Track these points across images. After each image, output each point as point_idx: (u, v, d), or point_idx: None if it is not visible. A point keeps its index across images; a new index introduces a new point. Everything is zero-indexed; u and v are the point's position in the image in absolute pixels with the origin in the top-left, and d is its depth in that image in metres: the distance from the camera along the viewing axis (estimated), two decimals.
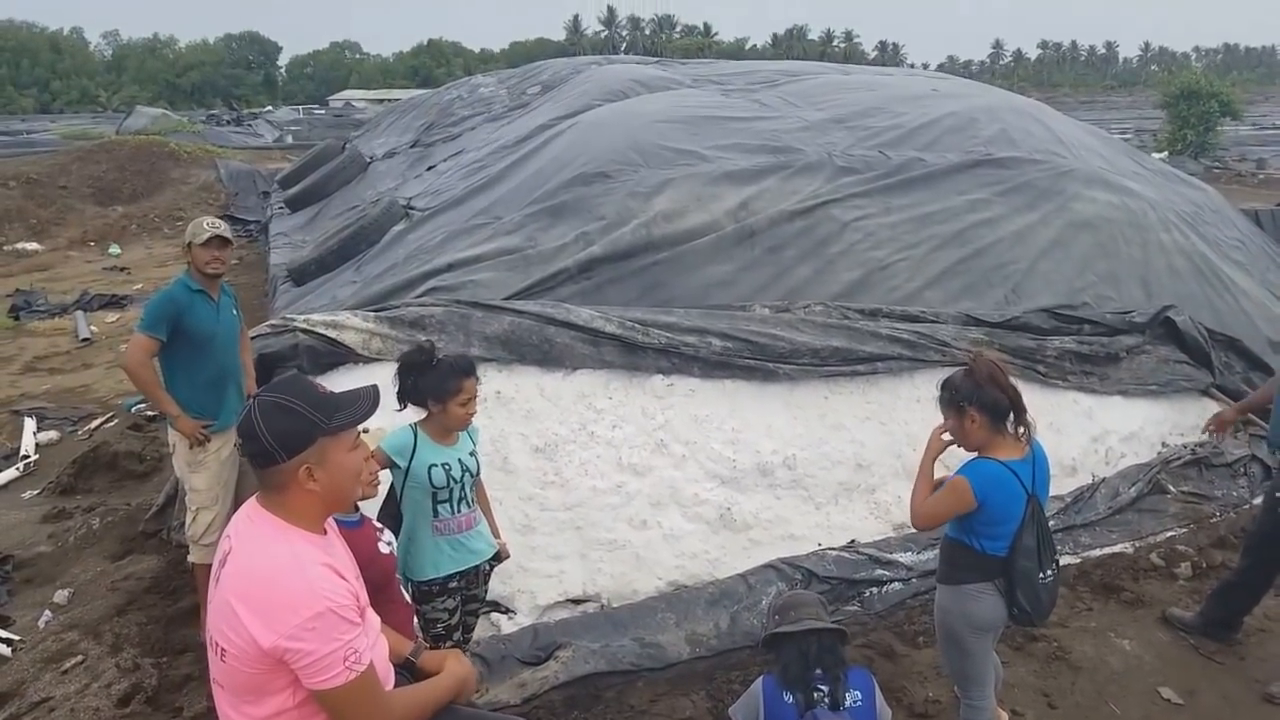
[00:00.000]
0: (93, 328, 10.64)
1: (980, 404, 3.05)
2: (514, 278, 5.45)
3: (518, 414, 4.79)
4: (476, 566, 3.43)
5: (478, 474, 3.47)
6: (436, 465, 3.26)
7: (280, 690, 1.96)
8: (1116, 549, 5.00)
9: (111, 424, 7.47)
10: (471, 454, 3.43)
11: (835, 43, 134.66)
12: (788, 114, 7.15)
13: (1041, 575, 3.07)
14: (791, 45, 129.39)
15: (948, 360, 5.10)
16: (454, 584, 3.35)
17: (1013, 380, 3.13)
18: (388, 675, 2.21)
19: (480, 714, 2.56)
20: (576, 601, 4.48)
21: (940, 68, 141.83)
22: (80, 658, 4.06)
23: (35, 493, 6.26)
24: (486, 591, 3.67)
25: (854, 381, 5.11)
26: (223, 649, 1.96)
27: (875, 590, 4.46)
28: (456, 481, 3.31)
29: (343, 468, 2.06)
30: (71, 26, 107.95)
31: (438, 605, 3.34)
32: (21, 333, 10.69)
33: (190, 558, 4.44)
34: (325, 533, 2.13)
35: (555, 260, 5.49)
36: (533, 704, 3.82)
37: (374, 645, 2.10)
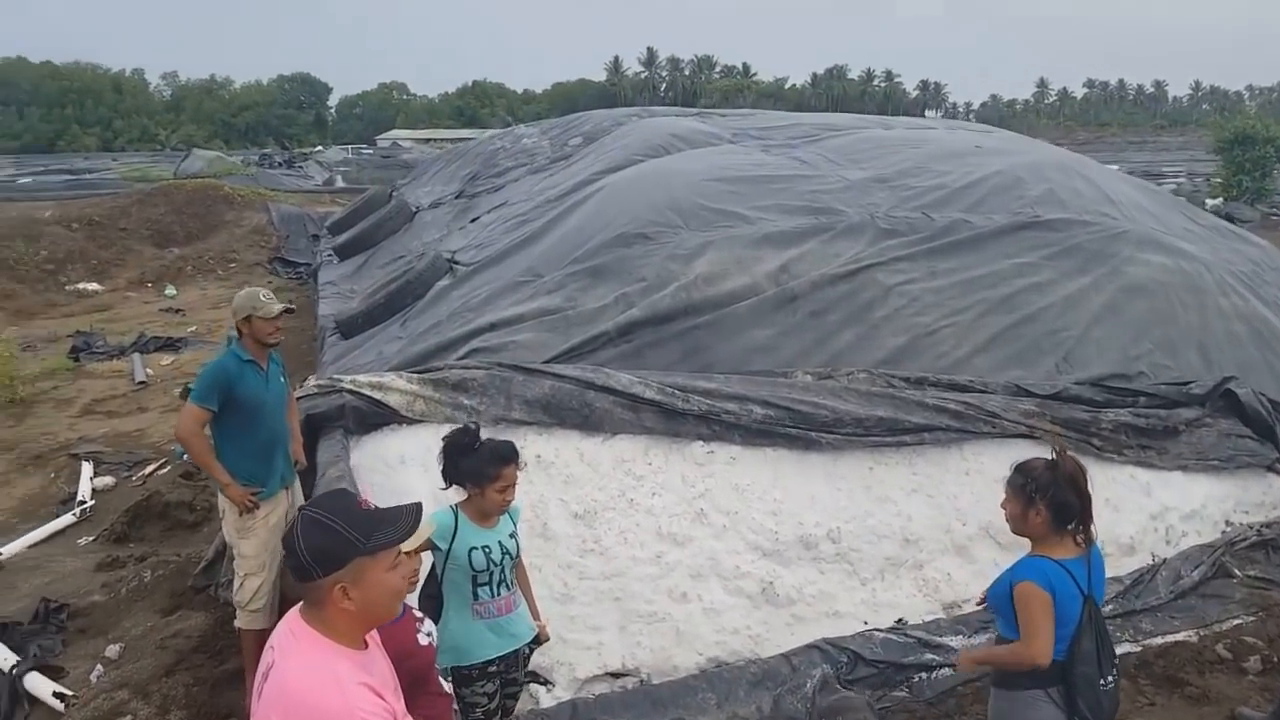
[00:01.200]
0: (148, 370, 10.89)
1: (1052, 501, 2.96)
2: (555, 339, 5.48)
3: (557, 479, 4.78)
4: (516, 650, 3.40)
5: (518, 556, 3.45)
6: (477, 548, 3.25)
7: None
8: (1179, 637, 4.76)
9: (164, 470, 7.60)
10: (511, 535, 3.41)
11: (875, 82, 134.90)
12: (829, 173, 7.13)
13: (1103, 682, 2.96)
14: (831, 85, 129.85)
15: (997, 432, 5.00)
16: (494, 668, 3.32)
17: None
18: None
19: None
20: (616, 675, 4.42)
21: (983, 106, 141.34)
22: (129, 718, 4.10)
23: (90, 539, 6.40)
24: (525, 675, 3.64)
25: (900, 452, 5.02)
26: None
27: (925, 675, 4.32)
28: (496, 565, 3.30)
29: (381, 586, 2.04)
30: (133, 68, 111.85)
31: (477, 690, 3.31)
32: (81, 374, 10.97)
33: (237, 622, 4.47)
34: (366, 646, 2.11)
35: (596, 322, 5.50)
36: None
37: None
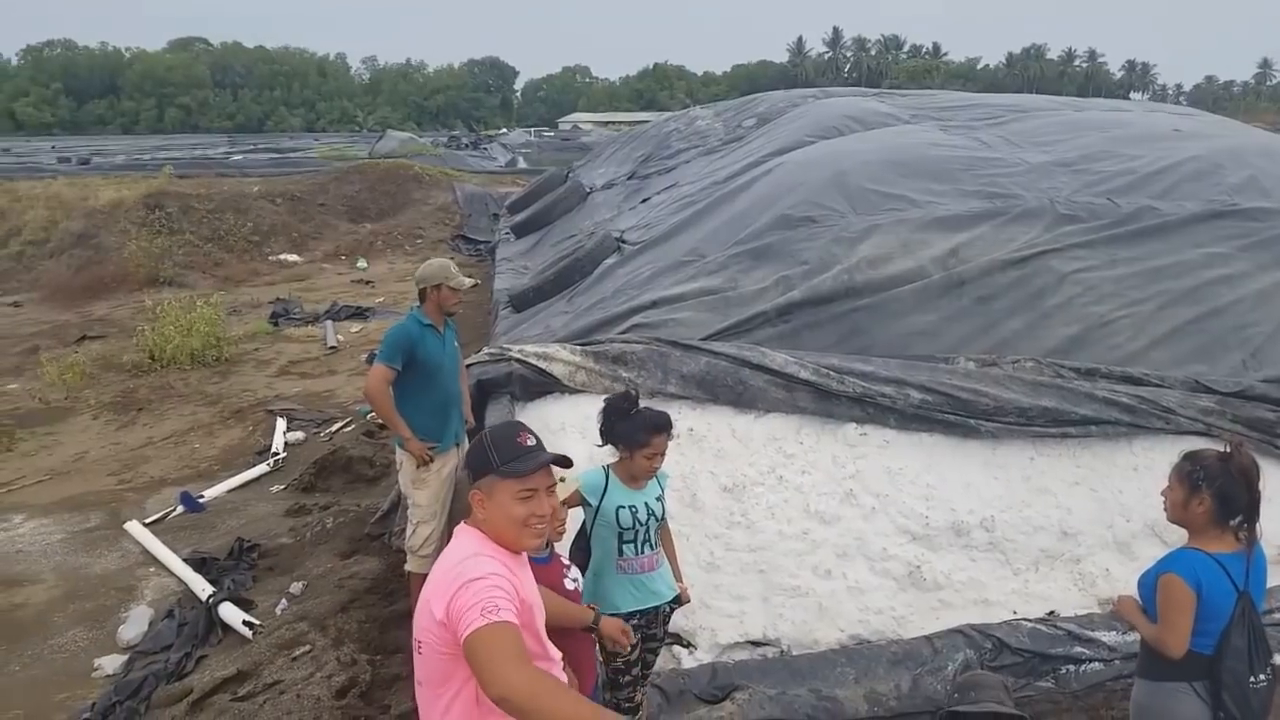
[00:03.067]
0: (339, 337, 11.81)
1: (1219, 493, 2.86)
2: (713, 318, 5.58)
3: (708, 453, 4.91)
4: (657, 607, 3.57)
5: (663, 518, 3.61)
6: (624, 507, 3.44)
7: (464, 681, 2.16)
8: None
9: (349, 429, 8.26)
10: (658, 499, 3.57)
11: (1077, 63, 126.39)
12: (1008, 155, 6.88)
13: (1253, 680, 2.84)
14: (1027, 66, 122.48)
15: (1171, 429, 4.75)
16: (634, 621, 3.49)
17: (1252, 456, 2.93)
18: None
19: None
20: (756, 644, 4.53)
21: (1196, 89, 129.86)
22: (308, 647, 4.55)
23: (281, 488, 7.05)
24: (665, 633, 3.80)
25: (1064, 444, 4.85)
26: (419, 642, 2.23)
27: (1072, 668, 4.21)
28: (642, 524, 3.47)
29: (502, 509, 2.28)
30: (336, 52, 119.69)
31: None
32: (279, 338, 12.03)
33: (408, 566, 4.87)
34: (516, 559, 2.35)
35: (754, 303, 5.57)
36: None
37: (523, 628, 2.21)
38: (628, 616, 3.47)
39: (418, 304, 4.86)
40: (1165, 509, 3.04)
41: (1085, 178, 6.38)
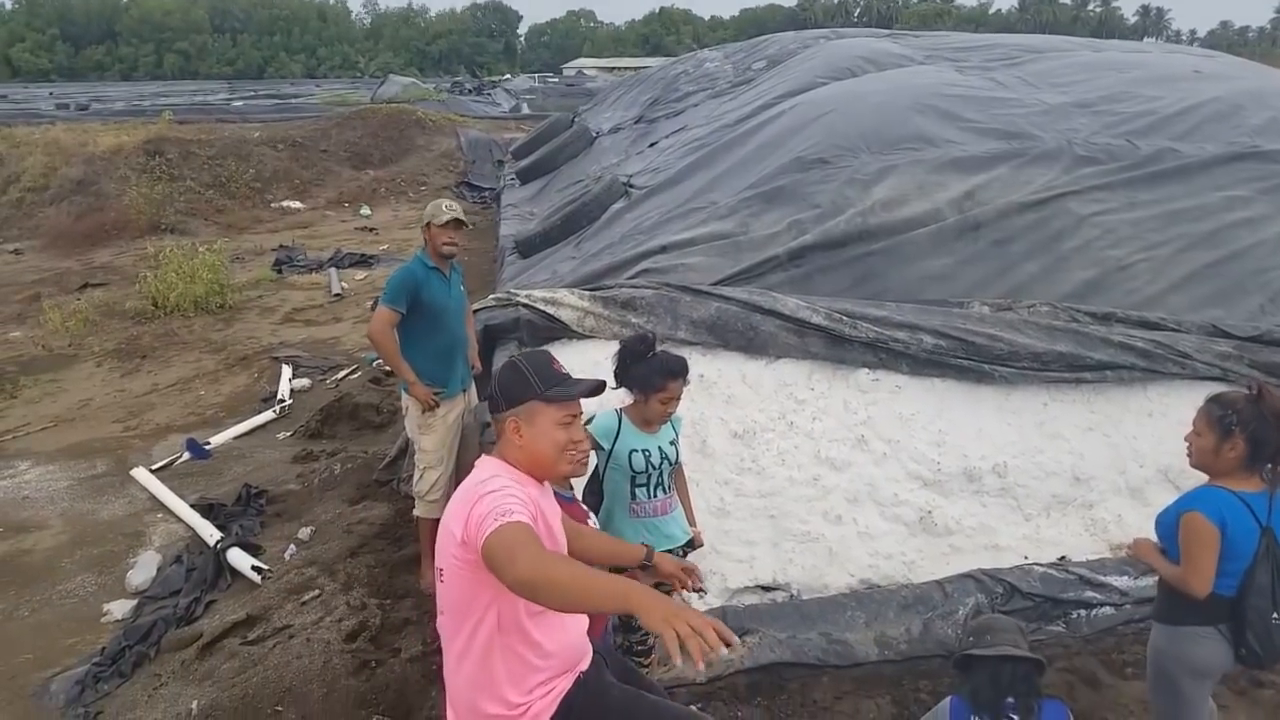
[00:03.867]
0: (344, 284, 11.72)
1: (1253, 437, 2.80)
2: (724, 263, 5.49)
3: (719, 398, 4.85)
4: (669, 551, 3.54)
5: (676, 462, 3.57)
6: (637, 451, 3.39)
7: (486, 607, 2.18)
8: None
9: (355, 376, 8.23)
10: (672, 443, 3.53)
11: (1090, 7, 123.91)
12: (1026, 96, 6.71)
13: (1276, 615, 2.80)
14: (1040, 10, 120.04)
15: (1187, 374, 4.68)
16: (647, 565, 3.47)
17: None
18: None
19: (668, 706, 2.67)
20: (766, 589, 4.53)
21: (1210, 35, 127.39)
22: (317, 592, 4.56)
23: (288, 434, 7.02)
24: None
25: (1078, 389, 4.79)
26: (441, 570, 2.24)
27: (1083, 613, 4.20)
28: (655, 468, 3.43)
29: (545, 435, 2.27)
30: None
31: None
32: (283, 285, 11.94)
33: (416, 511, 4.85)
34: (542, 484, 2.36)
35: (766, 247, 5.47)
36: (716, 684, 3.91)
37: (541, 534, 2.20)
38: None
39: (423, 246, 4.77)
40: (1190, 454, 2.97)
41: (1104, 119, 6.24)
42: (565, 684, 2.37)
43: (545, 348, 5.15)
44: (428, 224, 4.66)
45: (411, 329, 4.63)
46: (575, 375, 2.40)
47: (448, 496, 4.80)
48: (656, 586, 2.47)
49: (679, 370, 3.40)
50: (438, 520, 4.56)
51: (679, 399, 3.44)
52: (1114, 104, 6.44)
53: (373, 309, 10.15)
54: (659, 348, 3.53)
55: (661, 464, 3.45)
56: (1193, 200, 5.52)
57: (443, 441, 4.74)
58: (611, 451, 3.42)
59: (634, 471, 3.41)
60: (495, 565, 2.01)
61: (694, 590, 2.85)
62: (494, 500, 2.10)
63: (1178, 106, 6.31)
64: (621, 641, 3.49)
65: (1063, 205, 5.47)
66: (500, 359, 5.25)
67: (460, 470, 4.77)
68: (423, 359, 4.68)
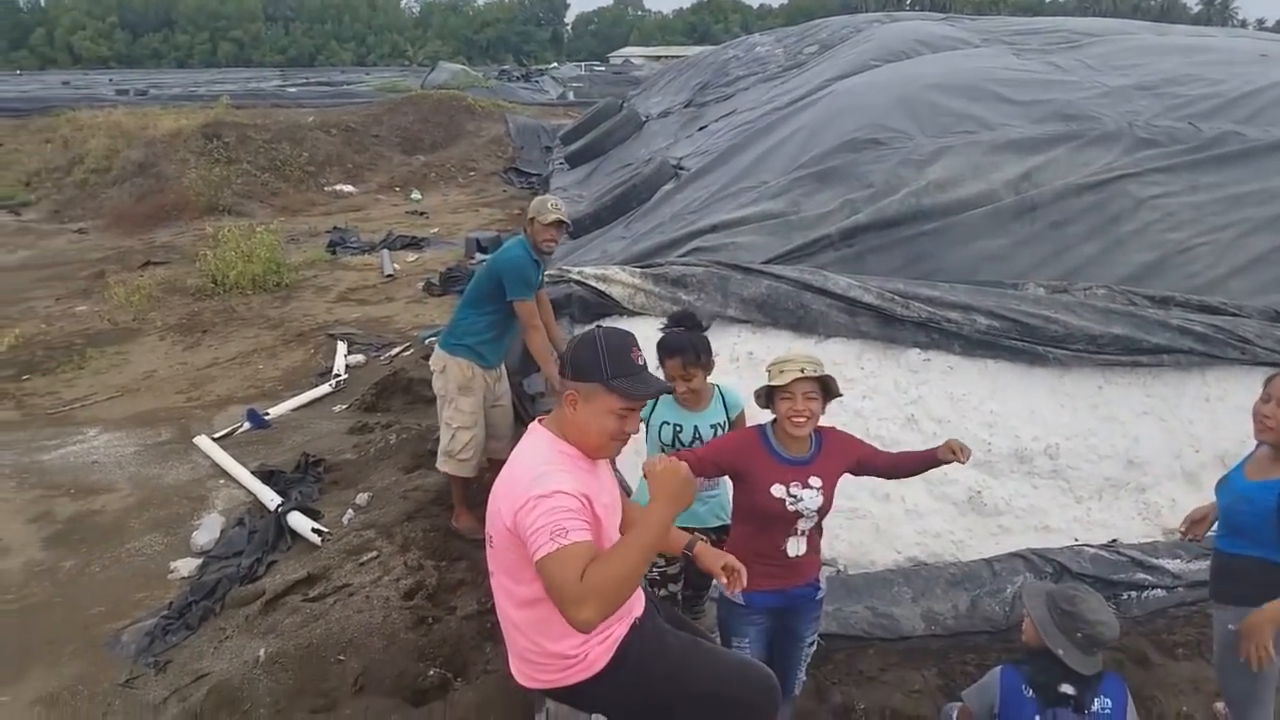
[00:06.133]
0: (396, 265, 11.90)
1: None
2: (775, 242, 5.52)
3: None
4: (692, 530, 3.29)
5: None
6: (668, 424, 3.41)
7: (535, 577, 2.19)
8: None
9: (408, 353, 8.37)
10: (715, 425, 3.43)
11: None
12: (1085, 79, 6.63)
13: None
14: None
15: (1247, 359, 4.62)
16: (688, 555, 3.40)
17: None
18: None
19: (724, 652, 2.73)
20: None
21: (1278, 25, 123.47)
22: (375, 553, 4.68)
23: (344, 407, 7.18)
24: None
25: (1134, 373, 4.74)
26: (491, 537, 2.31)
27: (1134, 594, 4.17)
28: (685, 445, 3.35)
29: (598, 418, 2.27)
30: None
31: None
32: (337, 266, 12.15)
33: (444, 467, 4.90)
34: (593, 463, 2.37)
35: (817, 226, 5.48)
36: None
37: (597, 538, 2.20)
38: None
39: (523, 237, 4.83)
40: (1263, 429, 2.91)
41: (1166, 101, 6.15)
42: (621, 630, 2.43)
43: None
44: (532, 219, 4.73)
45: (499, 311, 4.73)
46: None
47: (479, 463, 4.92)
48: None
49: (674, 349, 3.29)
50: (468, 479, 4.69)
51: (689, 380, 3.31)
52: (1176, 86, 6.34)
53: (425, 290, 10.35)
54: (707, 325, 3.44)
55: (691, 443, 3.35)
56: (1258, 184, 5.43)
57: (480, 404, 4.84)
58: (646, 421, 3.42)
59: (662, 443, 3.41)
60: (556, 597, 2.03)
61: (733, 593, 2.75)
62: (548, 513, 2.07)
63: (1242, 90, 6.20)
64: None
65: (1122, 188, 5.41)
66: None
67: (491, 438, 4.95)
68: (497, 339, 4.83)
